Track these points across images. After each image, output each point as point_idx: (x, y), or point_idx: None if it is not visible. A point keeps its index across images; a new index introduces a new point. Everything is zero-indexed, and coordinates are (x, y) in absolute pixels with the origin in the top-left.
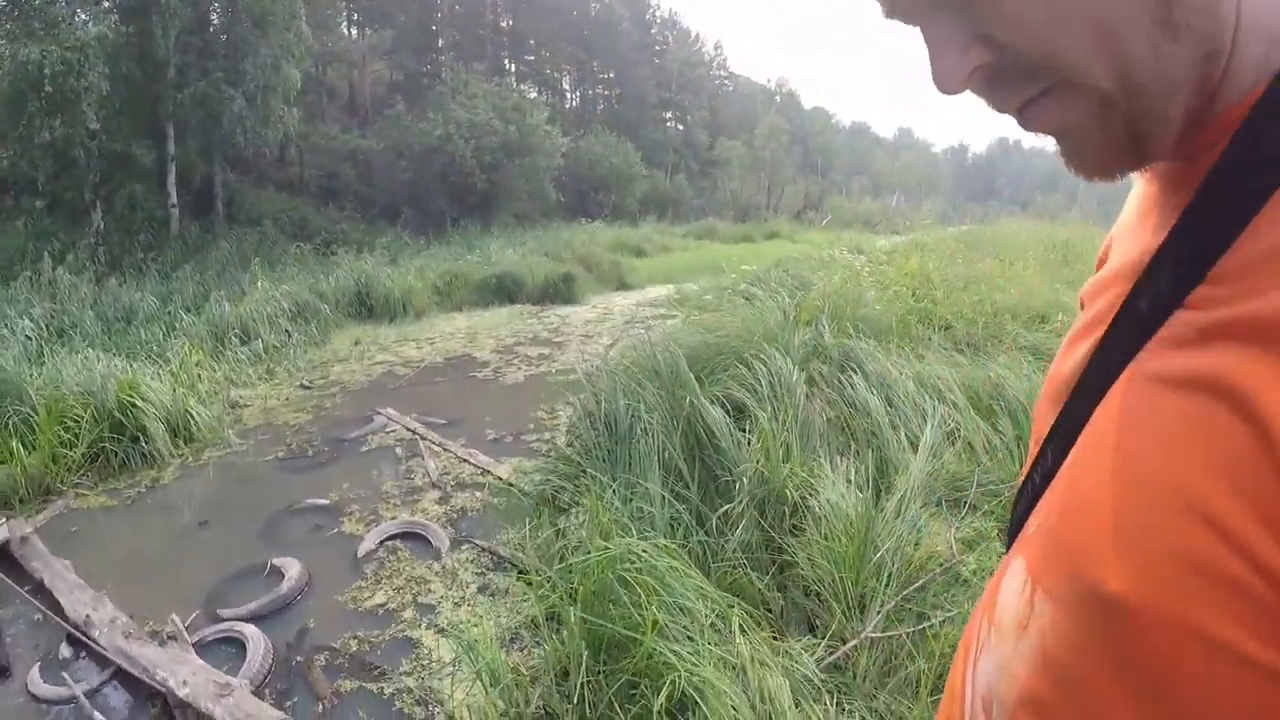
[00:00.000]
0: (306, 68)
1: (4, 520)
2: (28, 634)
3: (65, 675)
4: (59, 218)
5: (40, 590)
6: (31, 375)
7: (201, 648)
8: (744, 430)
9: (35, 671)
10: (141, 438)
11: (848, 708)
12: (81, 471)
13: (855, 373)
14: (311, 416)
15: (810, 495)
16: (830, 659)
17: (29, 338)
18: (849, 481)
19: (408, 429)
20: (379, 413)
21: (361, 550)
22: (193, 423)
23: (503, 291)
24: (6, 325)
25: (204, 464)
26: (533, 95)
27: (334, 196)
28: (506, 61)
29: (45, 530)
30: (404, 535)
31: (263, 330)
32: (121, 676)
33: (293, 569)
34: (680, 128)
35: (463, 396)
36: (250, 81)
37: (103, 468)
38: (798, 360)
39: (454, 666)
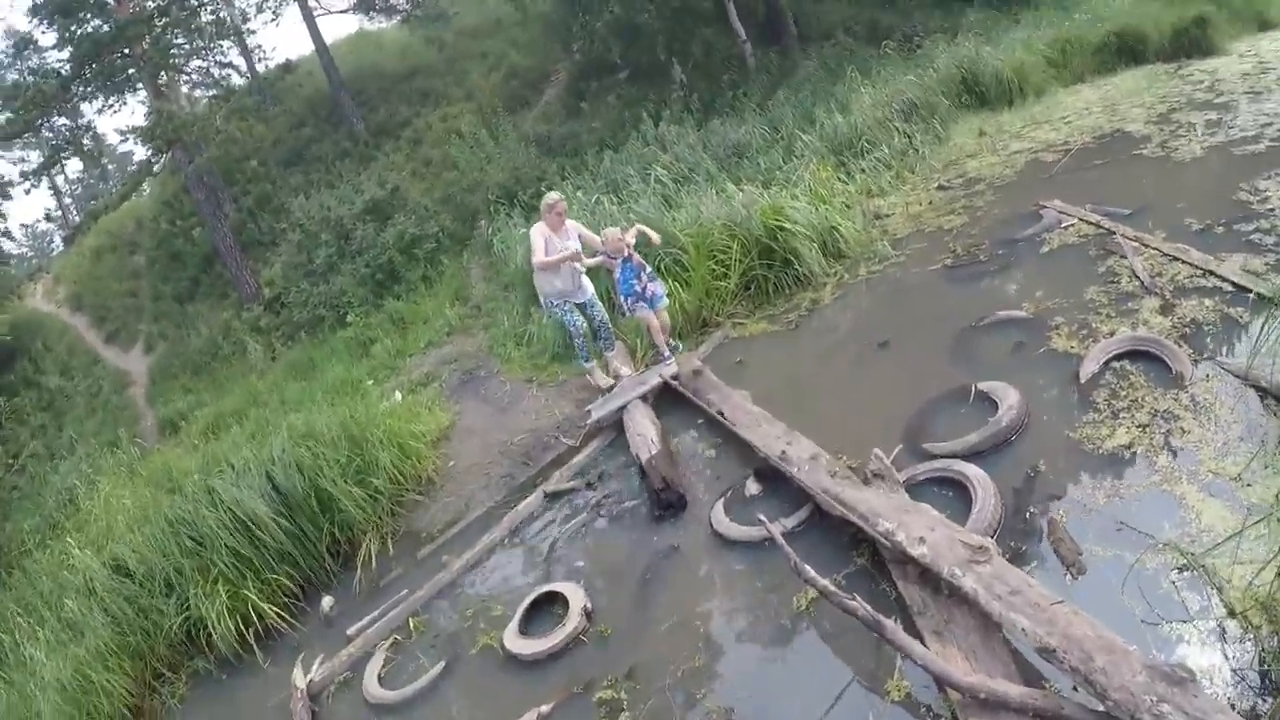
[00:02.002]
0: None
1: (673, 355)
2: (702, 468)
3: (762, 517)
4: (641, 84)
5: (714, 425)
6: (672, 218)
7: (911, 488)
8: None
9: (720, 509)
10: (794, 260)
11: None
12: (735, 301)
13: None
14: (966, 219)
15: None
16: None
17: (660, 182)
18: None
19: (1089, 223)
20: (1045, 206)
21: (1084, 373)
22: (840, 238)
23: (1124, 52)
24: (632, 183)
25: (861, 279)
26: None
27: None
28: None
29: (709, 362)
30: (1131, 354)
31: (880, 136)
32: (816, 519)
33: (1008, 396)
34: None
35: (1135, 180)
36: None
37: (756, 296)
38: None
39: (1235, 542)
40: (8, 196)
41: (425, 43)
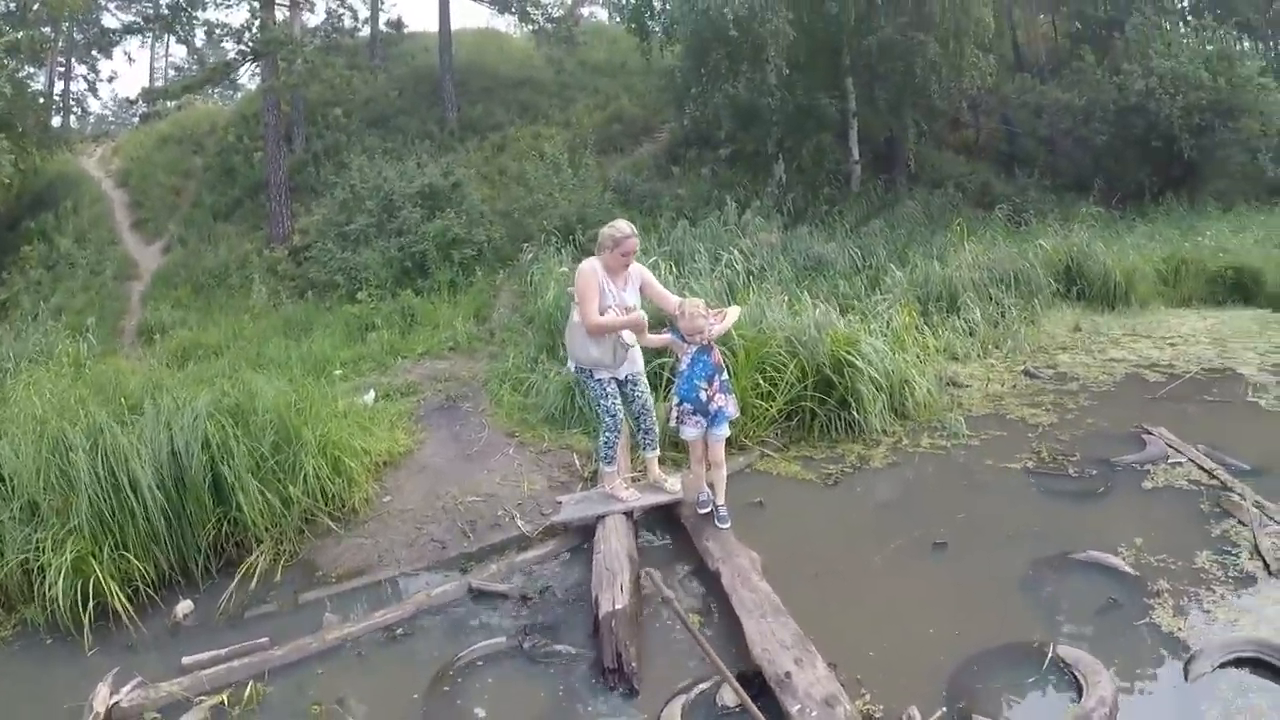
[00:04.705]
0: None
1: (727, 521)
2: (674, 638)
3: None
4: (739, 169)
5: (705, 575)
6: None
7: None
8: None
9: (675, 712)
10: (853, 404)
11: None
12: (772, 428)
13: None
14: (1055, 418)
15: None
16: None
17: (731, 268)
18: None
19: (1203, 469)
20: (1150, 433)
21: (1194, 671)
22: (909, 396)
23: (1239, 289)
24: (699, 259)
25: (922, 451)
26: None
27: (1015, 163)
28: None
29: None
30: (1255, 664)
31: (971, 299)
32: None
33: (1098, 680)
34: None
35: (1251, 433)
36: (941, 24)
37: (798, 429)
38: None
39: None
40: (107, 53)
41: (546, 60)
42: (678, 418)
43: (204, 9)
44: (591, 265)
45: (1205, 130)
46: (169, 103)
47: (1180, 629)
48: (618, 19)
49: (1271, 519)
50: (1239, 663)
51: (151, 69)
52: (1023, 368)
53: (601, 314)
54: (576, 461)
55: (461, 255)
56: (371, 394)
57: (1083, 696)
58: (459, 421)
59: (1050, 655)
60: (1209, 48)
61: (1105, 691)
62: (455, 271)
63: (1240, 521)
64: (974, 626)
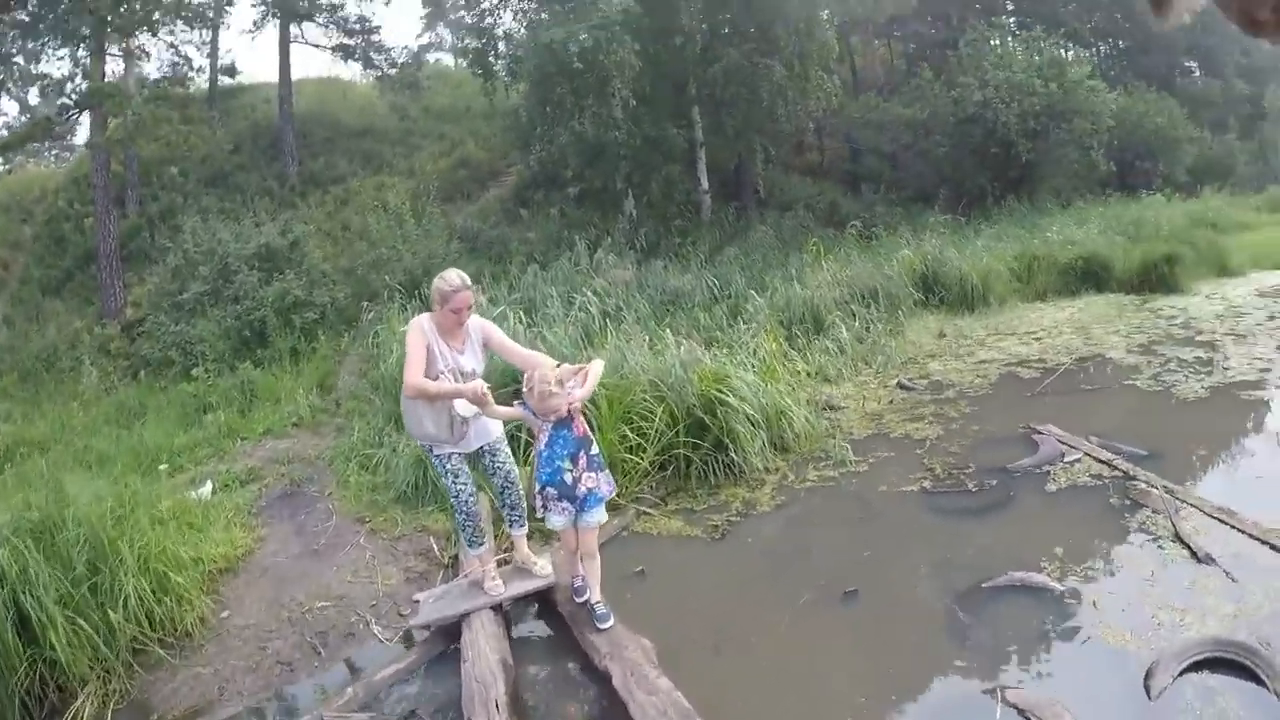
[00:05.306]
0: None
1: (607, 617)
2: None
3: None
4: (589, 207)
5: (591, 671)
6: (587, 358)
7: None
8: None
9: None
10: (730, 445)
11: None
12: (647, 481)
13: None
14: (940, 430)
15: None
16: None
17: (585, 310)
18: None
19: (1101, 461)
20: (1040, 431)
21: (1155, 686)
22: (788, 428)
23: (1089, 277)
24: (552, 305)
25: (809, 485)
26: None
27: (860, 180)
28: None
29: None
30: (1215, 663)
31: (836, 318)
32: None
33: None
34: (1216, 80)
35: (1136, 414)
36: (785, 48)
37: (674, 478)
38: None
39: None
40: None
41: (390, 108)
42: (542, 505)
43: (37, 62)
44: (420, 323)
45: (1040, 133)
46: None
47: (1128, 642)
48: (462, 63)
49: (1184, 502)
50: (1199, 665)
51: None
52: (896, 381)
53: (435, 380)
54: (434, 546)
55: (303, 320)
56: (209, 485)
57: None
58: (304, 509)
59: (1000, 703)
60: (1037, 57)
61: None
62: (297, 338)
63: (1154, 510)
64: (907, 683)
